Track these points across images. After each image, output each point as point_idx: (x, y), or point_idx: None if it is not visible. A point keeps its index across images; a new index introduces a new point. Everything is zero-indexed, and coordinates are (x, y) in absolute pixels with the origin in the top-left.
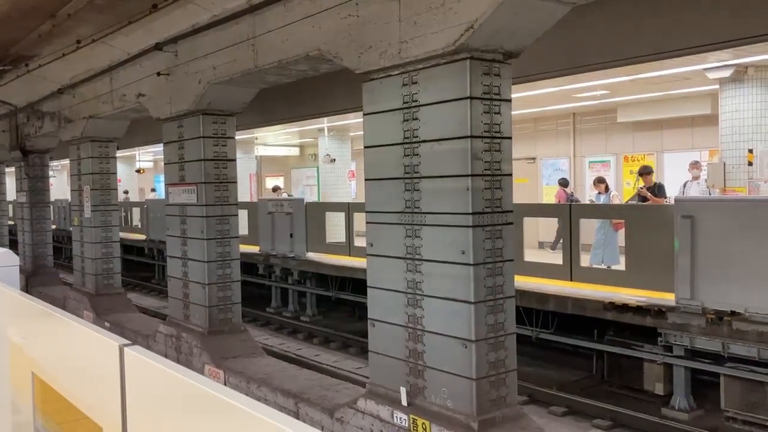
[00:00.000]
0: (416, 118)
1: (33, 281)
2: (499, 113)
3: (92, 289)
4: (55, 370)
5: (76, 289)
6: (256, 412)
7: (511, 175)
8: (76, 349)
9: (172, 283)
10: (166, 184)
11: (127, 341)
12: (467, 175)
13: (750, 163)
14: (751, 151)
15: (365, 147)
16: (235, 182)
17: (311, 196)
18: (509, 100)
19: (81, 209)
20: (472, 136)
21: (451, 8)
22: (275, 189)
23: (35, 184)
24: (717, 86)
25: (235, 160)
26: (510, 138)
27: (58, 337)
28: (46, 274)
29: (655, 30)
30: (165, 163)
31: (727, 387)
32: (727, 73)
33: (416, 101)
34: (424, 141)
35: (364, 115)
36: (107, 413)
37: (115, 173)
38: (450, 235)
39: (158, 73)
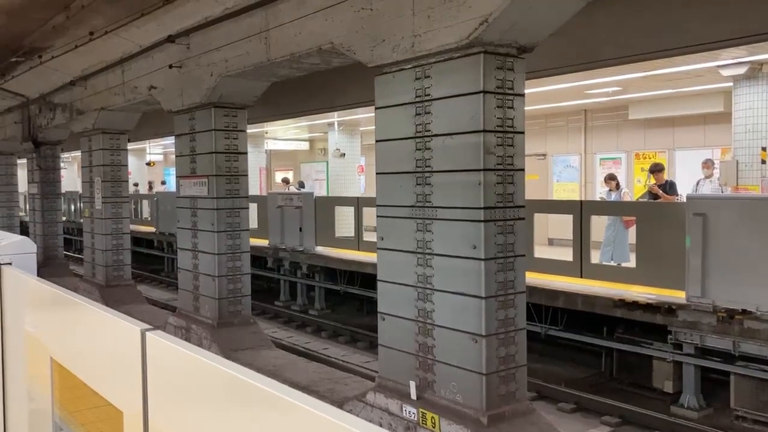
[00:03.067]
0: (429, 112)
1: (43, 272)
2: (512, 108)
3: (102, 281)
4: (74, 355)
5: (87, 280)
6: (284, 395)
7: (523, 170)
8: (97, 335)
9: (183, 275)
10: (177, 177)
11: (149, 326)
12: (479, 170)
13: (763, 161)
14: (764, 149)
15: (377, 141)
16: (246, 175)
17: (320, 191)
18: (522, 95)
19: (92, 201)
20: (484, 131)
21: (465, 2)
22: (285, 181)
23: (47, 176)
24: (730, 83)
25: (246, 153)
26: (523, 133)
27: (78, 323)
28: (57, 266)
29: (669, 26)
30: (176, 156)
31: (738, 386)
32: (741, 71)
33: (429, 95)
34: (436, 135)
35: (376, 108)
36: (128, 398)
37: (126, 165)
38: (461, 230)
39: (170, 66)
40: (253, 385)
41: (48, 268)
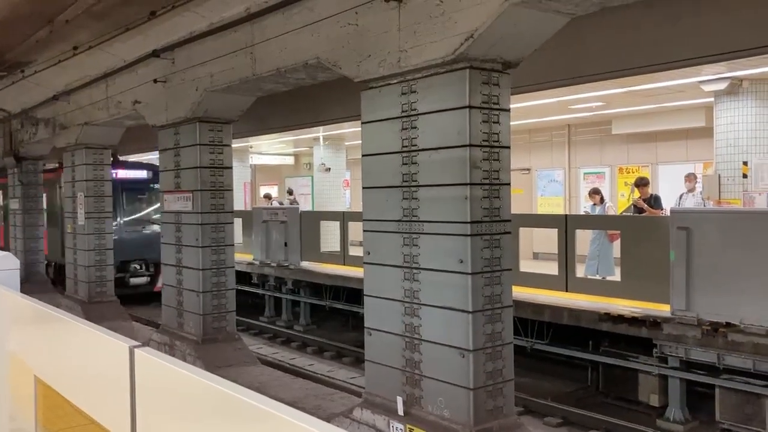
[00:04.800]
0: (415, 127)
1: (24, 288)
2: (498, 122)
3: (85, 297)
4: (60, 374)
5: (69, 296)
6: (275, 411)
7: (509, 184)
8: (84, 352)
9: (167, 290)
10: (161, 191)
11: (137, 342)
12: (466, 184)
13: (745, 176)
14: (745, 163)
15: (363, 155)
16: (231, 190)
17: (305, 205)
18: (508, 110)
19: (74, 216)
20: (470, 145)
21: (451, 18)
22: (267, 197)
23: (28, 191)
24: (712, 99)
25: (231, 167)
26: (508, 147)
27: (64, 340)
28: (38, 282)
29: (652, 42)
30: (160, 171)
31: (722, 399)
32: (722, 86)
33: (415, 110)
34: (423, 149)
35: (363, 123)
36: (116, 417)
37: (110, 181)
38: (448, 244)
39: (155, 80)
40: (245, 401)
41: (29, 284)
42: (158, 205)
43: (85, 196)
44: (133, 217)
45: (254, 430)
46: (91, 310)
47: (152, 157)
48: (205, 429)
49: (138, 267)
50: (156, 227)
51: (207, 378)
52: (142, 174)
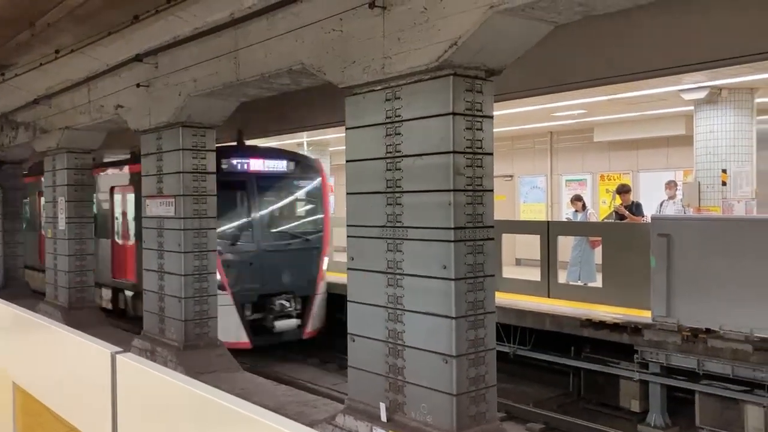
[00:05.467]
0: (399, 133)
1: (3, 294)
2: (481, 129)
3: (65, 303)
4: (39, 380)
5: (49, 302)
6: (260, 417)
7: (492, 190)
8: (65, 358)
9: (148, 296)
10: (143, 196)
11: (119, 348)
12: (449, 190)
13: (724, 183)
14: (724, 171)
15: (347, 161)
16: (214, 195)
17: None
18: (491, 117)
19: (55, 221)
20: (454, 152)
21: (435, 25)
22: None
23: (7, 195)
24: (692, 107)
25: (214, 173)
26: (491, 154)
27: (44, 346)
28: (17, 287)
29: (633, 50)
30: (143, 175)
31: (702, 404)
32: (701, 95)
33: (399, 116)
34: (407, 156)
35: (347, 129)
36: (97, 423)
37: (92, 185)
38: (431, 250)
39: (138, 85)
40: (228, 407)
41: (8, 289)
42: (309, 206)
43: (66, 201)
44: (279, 228)
45: None
46: (72, 317)
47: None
48: None
49: (286, 304)
50: (303, 241)
51: (190, 384)
52: (283, 165)
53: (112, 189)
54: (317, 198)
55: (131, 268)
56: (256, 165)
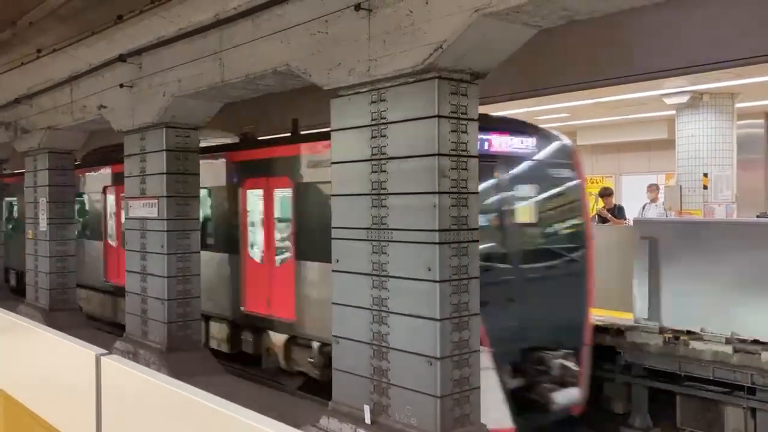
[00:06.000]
0: (384, 135)
1: None
2: (465, 132)
3: (46, 305)
4: (22, 383)
5: (29, 304)
6: (245, 418)
7: (477, 193)
8: (48, 361)
9: (130, 298)
10: (125, 198)
11: (104, 350)
12: (434, 193)
13: (705, 187)
14: (706, 175)
15: (333, 163)
16: (198, 197)
17: None
18: (476, 120)
19: (36, 222)
20: (439, 154)
21: (420, 28)
22: None
23: None
24: (673, 112)
25: (198, 174)
26: (476, 157)
27: (26, 348)
28: None
29: (616, 55)
30: (125, 176)
31: (683, 405)
32: (683, 99)
33: (384, 118)
34: (392, 158)
35: (332, 131)
36: (81, 426)
37: (74, 186)
38: (416, 252)
39: (121, 85)
40: (214, 409)
41: None
42: (569, 208)
43: (47, 202)
44: (539, 244)
45: None
46: (53, 319)
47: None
48: None
49: (568, 364)
50: (567, 262)
51: (175, 385)
52: (532, 143)
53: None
54: (577, 195)
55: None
56: (501, 144)
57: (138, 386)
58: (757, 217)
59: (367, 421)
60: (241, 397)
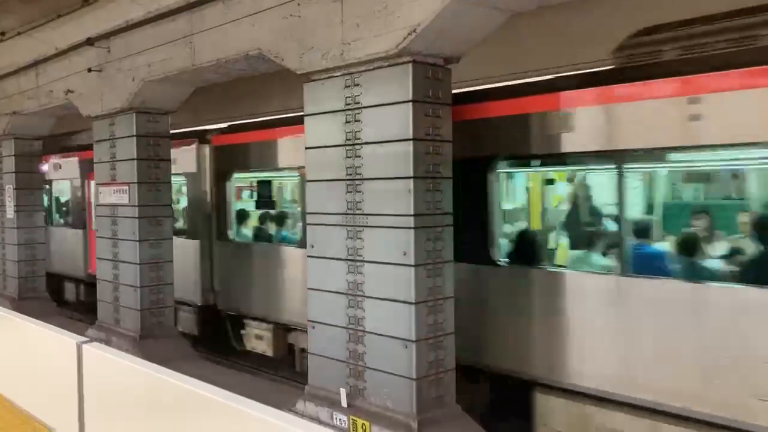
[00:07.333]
0: (358, 120)
1: None
2: (439, 117)
3: (15, 293)
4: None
5: None
6: (232, 403)
7: (451, 178)
8: (28, 349)
9: (102, 285)
10: (96, 184)
11: (85, 338)
12: (409, 177)
13: None
14: None
15: (306, 148)
16: (170, 182)
17: None
18: (449, 105)
19: (3, 210)
20: (414, 139)
21: (393, 12)
22: None
23: None
24: None
25: (169, 159)
26: (450, 142)
27: (5, 337)
28: None
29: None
30: (95, 162)
31: None
32: None
33: (359, 103)
34: (367, 143)
35: (305, 116)
36: (62, 415)
37: (41, 173)
38: (391, 237)
39: (89, 69)
40: (196, 392)
41: None
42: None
43: (14, 189)
44: None
45: (207, 421)
46: (22, 307)
47: None
48: (156, 422)
49: None
50: None
51: (157, 371)
52: None
53: None
54: None
55: None
56: None
57: (120, 372)
58: None
59: (344, 404)
60: (216, 382)
